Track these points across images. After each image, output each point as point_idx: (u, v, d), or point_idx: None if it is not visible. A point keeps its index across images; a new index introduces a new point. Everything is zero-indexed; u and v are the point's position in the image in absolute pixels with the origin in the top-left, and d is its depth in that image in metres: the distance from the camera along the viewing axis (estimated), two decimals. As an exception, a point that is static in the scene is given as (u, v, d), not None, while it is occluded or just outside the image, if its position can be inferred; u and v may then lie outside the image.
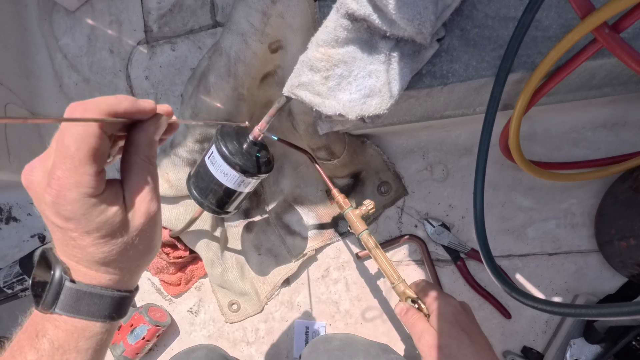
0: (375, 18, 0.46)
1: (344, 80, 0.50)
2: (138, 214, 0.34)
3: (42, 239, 0.91)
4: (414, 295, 0.61)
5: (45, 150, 0.33)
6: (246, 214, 0.84)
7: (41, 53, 0.87)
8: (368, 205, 0.65)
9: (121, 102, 0.32)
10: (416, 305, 0.61)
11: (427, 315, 0.59)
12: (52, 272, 0.34)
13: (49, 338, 0.34)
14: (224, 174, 0.59)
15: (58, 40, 0.86)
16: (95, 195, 0.31)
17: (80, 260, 0.33)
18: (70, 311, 0.34)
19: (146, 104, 0.34)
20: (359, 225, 0.64)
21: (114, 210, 0.32)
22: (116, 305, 0.36)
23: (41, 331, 0.34)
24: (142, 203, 0.34)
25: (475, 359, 0.52)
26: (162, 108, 0.36)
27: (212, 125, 0.67)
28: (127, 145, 0.35)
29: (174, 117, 0.37)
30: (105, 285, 0.35)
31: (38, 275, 0.35)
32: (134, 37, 0.85)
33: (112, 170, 0.89)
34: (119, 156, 0.36)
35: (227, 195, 0.62)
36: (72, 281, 0.34)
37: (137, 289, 0.40)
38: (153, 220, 0.35)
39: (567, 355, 0.71)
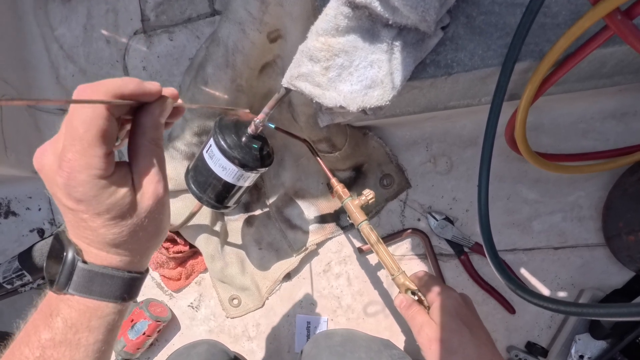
0: (377, 5, 0.44)
1: (344, 71, 0.49)
2: (146, 195, 0.35)
3: (41, 233, 0.90)
4: (414, 287, 0.60)
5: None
6: (246, 207, 0.82)
7: (37, 43, 0.85)
8: (367, 195, 0.63)
9: (127, 84, 0.32)
10: (416, 297, 0.60)
11: (427, 308, 0.58)
12: (64, 254, 0.35)
13: (62, 317, 0.35)
14: (223, 168, 0.58)
15: (54, 30, 0.84)
16: (105, 177, 0.32)
17: (92, 242, 0.34)
18: (83, 291, 0.35)
19: (152, 86, 0.34)
20: (358, 216, 0.62)
21: (123, 191, 0.33)
22: (127, 286, 0.37)
23: (55, 311, 0.35)
24: (149, 185, 0.35)
25: (476, 353, 0.52)
26: (168, 91, 0.36)
27: (211, 118, 0.65)
28: (134, 127, 0.35)
29: (179, 101, 0.38)
30: (116, 267, 0.36)
31: (52, 257, 0.36)
32: (131, 27, 0.83)
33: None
34: (127, 140, 0.37)
35: (226, 189, 0.61)
36: (84, 262, 0.35)
37: (147, 270, 0.41)
38: (161, 202, 0.36)
39: (572, 350, 0.70)
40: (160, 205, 0.36)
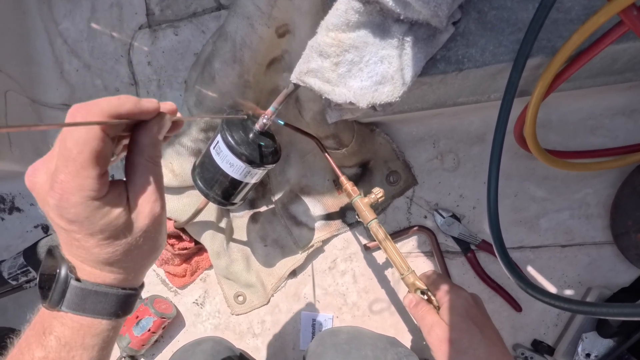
0: (388, 0, 0.44)
1: (354, 67, 0.48)
2: (142, 215, 0.34)
3: (46, 229, 0.90)
4: (424, 287, 0.60)
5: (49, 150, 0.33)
6: (252, 204, 0.82)
7: (41, 38, 0.84)
8: (377, 193, 0.63)
9: (124, 104, 0.31)
10: (425, 297, 0.59)
11: (437, 308, 0.58)
12: (58, 271, 0.34)
13: (55, 335, 0.34)
14: (230, 164, 0.58)
15: (58, 24, 0.84)
16: (98, 198, 0.31)
17: (85, 260, 0.34)
18: (76, 309, 0.34)
19: (149, 104, 0.33)
20: (367, 214, 0.62)
21: (117, 212, 0.32)
22: (121, 303, 0.36)
23: (48, 328, 0.35)
24: (146, 204, 0.34)
25: (486, 354, 0.51)
26: (166, 106, 0.35)
27: (217, 113, 0.64)
28: (131, 145, 0.34)
29: (178, 114, 0.37)
30: (110, 284, 0.35)
31: (45, 272, 0.35)
32: (136, 21, 0.82)
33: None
34: (123, 154, 0.36)
35: (233, 186, 0.61)
36: (78, 280, 0.34)
37: (142, 285, 0.40)
38: (158, 221, 0.35)
39: (579, 349, 0.70)
40: (157, 224, 0.36)
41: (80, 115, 0.30)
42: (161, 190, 0.36)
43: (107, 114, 0.30)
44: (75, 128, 0.29)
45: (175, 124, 0.38)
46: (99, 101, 0.31)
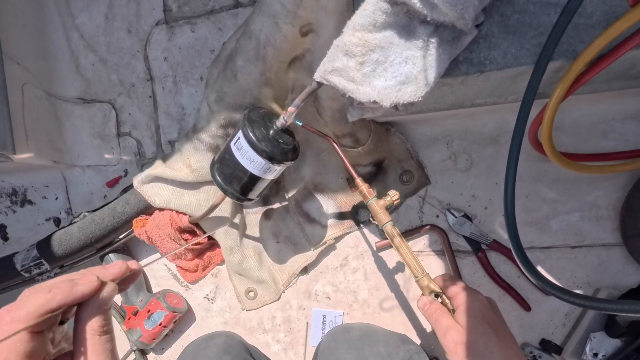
0: (416, 1, 0.44)
1: (379, 66, 0.49)
2: None
3: (58, 222, 0.90)
4: (438, 290, 0.60)
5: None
6: (265, 201, 0.82)
7: (57, 32, 0.85)
8: (393, 196, 0.63)
9: (53, 298, 0.32)
10: (439, 300, 0.59)
11: (451, 311, 0.58)
12: None
13: None
14: (250, 160, 0.58)
15: (75, 18, 0.84)
16: None
17: None
18: None
19: (85, 286, 0.34)
20: (382, 217, 0.62)
21: None
22: None
23: None
24: None
25: (502, 356, 0.51)
26: (112, 271, 0.37)
27: (238, 110, 0.65)
28: (75, 319, 0.35)
29: (134, 266, 0.39)
30: None
31: None
32: (153, 17, 0.82)
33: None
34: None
35: (252, 182, 0.61)
36: None
37: None
38: None
39: (587, 348, 0.71)
40: None
41: (5, 323, 0.30)
42: (110, 355, 0.36)
43: (35, 314, 0.31)
44: (1, 331, 0.30)
45: (131, 277, 0.39)
46: (26, 302, 0.31)
